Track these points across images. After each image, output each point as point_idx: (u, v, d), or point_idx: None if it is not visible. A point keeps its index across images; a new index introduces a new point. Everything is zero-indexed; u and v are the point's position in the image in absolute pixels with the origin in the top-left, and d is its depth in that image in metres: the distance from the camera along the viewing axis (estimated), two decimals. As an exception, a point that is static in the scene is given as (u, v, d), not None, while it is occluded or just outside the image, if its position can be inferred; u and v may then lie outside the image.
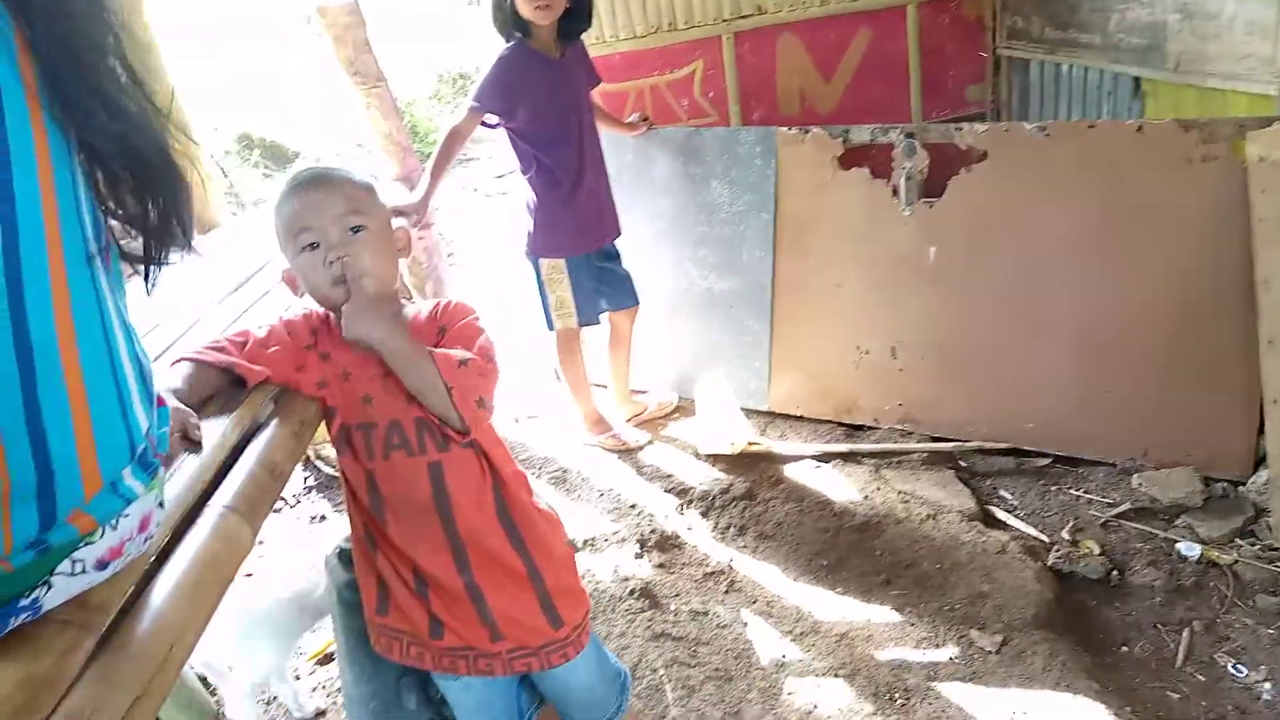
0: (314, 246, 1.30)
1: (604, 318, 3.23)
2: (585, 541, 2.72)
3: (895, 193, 2.94)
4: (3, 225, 0.66)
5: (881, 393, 3.11)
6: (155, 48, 2.87)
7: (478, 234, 5.71)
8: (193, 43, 6.49)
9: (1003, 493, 2.78)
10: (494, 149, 2.96)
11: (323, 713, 2.27)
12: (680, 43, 3.69)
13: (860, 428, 3.16)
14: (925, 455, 2.91)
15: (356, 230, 1.30)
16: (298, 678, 2.34)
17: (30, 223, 0.68)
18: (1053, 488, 2.76)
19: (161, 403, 0.95)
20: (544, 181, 2.91)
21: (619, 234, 3.13)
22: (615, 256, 3.15)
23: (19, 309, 0.68)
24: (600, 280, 3.10)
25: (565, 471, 3.17)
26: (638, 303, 3.20)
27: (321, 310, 1.41)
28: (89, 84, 0.75)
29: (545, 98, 2.81)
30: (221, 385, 1.28)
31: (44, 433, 0.71)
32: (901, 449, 2.96)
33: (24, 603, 0.77)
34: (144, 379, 0.87)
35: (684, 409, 3.41)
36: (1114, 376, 2.73)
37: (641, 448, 3.22)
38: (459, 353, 1.32)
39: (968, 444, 2.92)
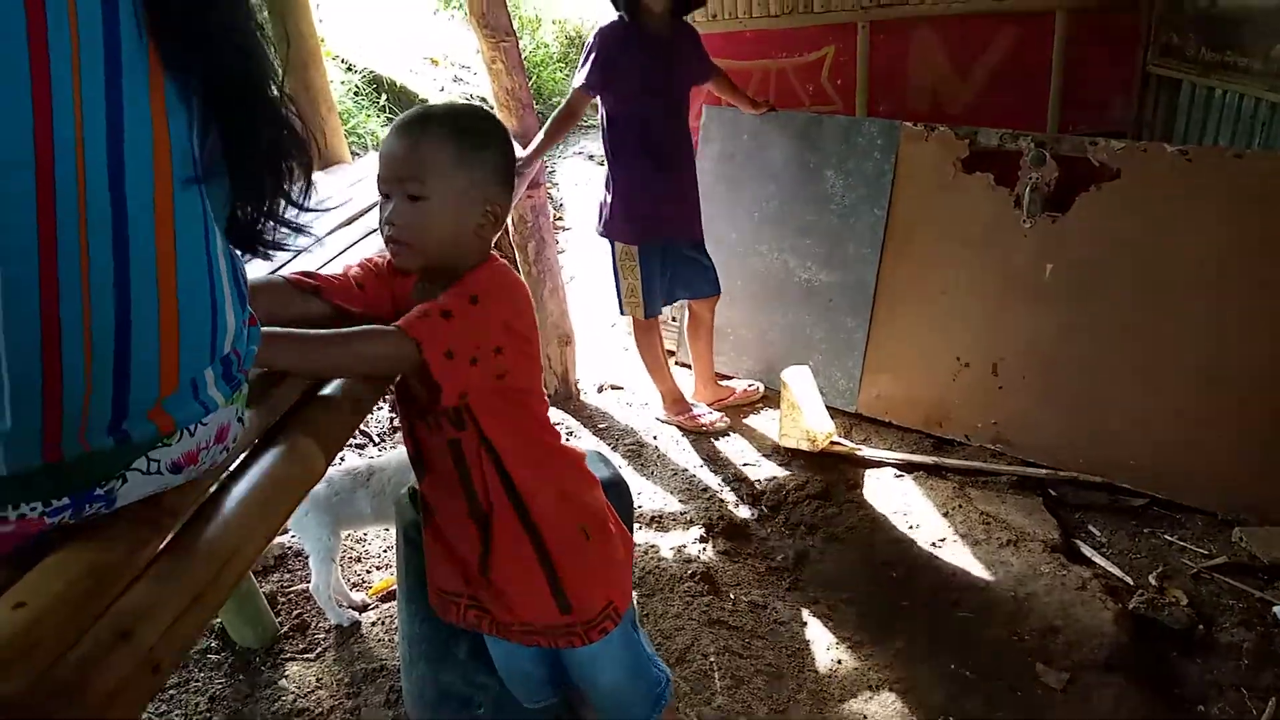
0: (386, 197, 1.24)
1: (683, 303, 3.21)
2: (652, 518, 2.72)
3: (1017, 203, 2.82)
4: (109, 138, 0.71)
5: (977, 408, 3.00)
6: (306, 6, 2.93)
7: (588, 200, 5.73)
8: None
9: (1091, 528, 2.65)
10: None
11: (357, 624, 2.34)
12: (814, 26, 3.59)
13: (950, 442, 3.05)
14: (1014, 479, 2.80)
15: (414, 198, 1.20)
16: (358, 597, 2.40)
17: (138, 136, 0.74)
18: (1145, 530, 2.61)
19: (253, 322, 0.98)
20: (627, 162, 2.90)
21: (699, 237, 3.08)
22: (698, 245, 3.10)
23: (120, 211, 0.73)
24: (679, 268, 3.07)
25: (642, 446, 3.16)
26: (718, 292, 3.16)
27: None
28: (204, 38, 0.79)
29: (643, 78, 2.79)
30: (325, 315, 1.28)
31: (129, 324, 0.76)
32: (990, 469, 2.85)
33: (99, 491, 0.80)
34: (237, 280, 0.90)
35: (769, 399, 3.37)
36: (1227, 422, 2.57)
37: (721, 432, 3.20)
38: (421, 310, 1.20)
39: (1061, 473, 2.80)
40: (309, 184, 0.99)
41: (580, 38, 8.90)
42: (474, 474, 1.33)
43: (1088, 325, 2.76)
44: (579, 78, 2.80)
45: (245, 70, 0.84)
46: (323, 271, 1.36)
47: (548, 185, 2.90)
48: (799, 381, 3.00)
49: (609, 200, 2.98)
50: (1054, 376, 2.84)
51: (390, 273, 1.38)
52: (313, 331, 1.16)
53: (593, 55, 2.76)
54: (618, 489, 1.78)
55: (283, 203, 0.96)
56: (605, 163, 3.00)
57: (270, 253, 0.99)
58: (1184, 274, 2.58)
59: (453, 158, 1.21)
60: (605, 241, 3.07)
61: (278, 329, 1.10)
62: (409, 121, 1.24)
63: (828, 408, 3.06)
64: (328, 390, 1.25)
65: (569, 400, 3.46)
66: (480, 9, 2.99)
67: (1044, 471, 2.81)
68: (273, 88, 0.88)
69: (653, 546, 2.56)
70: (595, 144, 7.18)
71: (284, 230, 0.98)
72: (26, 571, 0.76)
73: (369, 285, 1.35)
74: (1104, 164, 2.68)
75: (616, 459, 3.05)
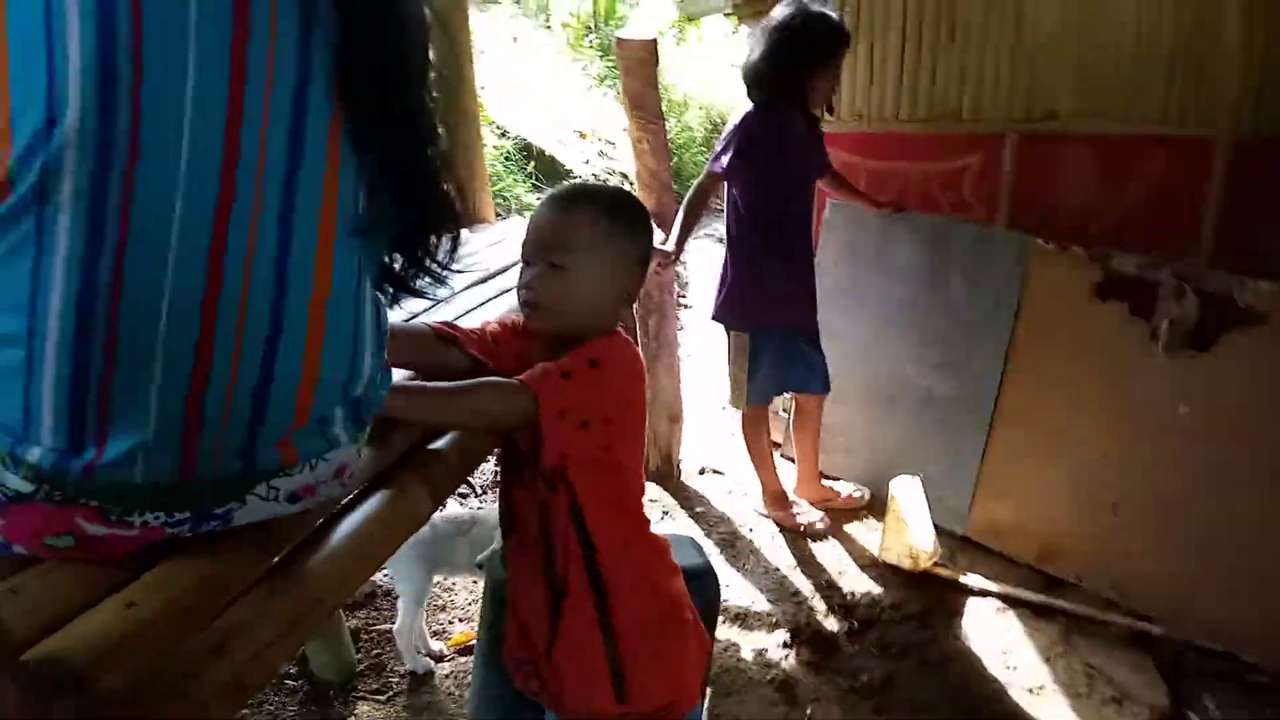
0: (528, 263, 1.29)
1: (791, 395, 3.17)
2: (736, 615, 2.65)
3: (1154, 335, 2.68)
4: (285, 185, 0.79)
5: (1092, 549, 2.83)
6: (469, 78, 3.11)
7: (713, 280, 5.78)
8: (504, 56, 7.07)
9: (1207, 701, 2.42)
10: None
11: (430, 674, 2.35)
12: (961, 134, 3.57)
13: (1060, 581, 2.87)
14: (1126, 631, 2.61)
15: (556, 267, 1.25)
16: (436, 646, 2.42)
17: (311, 186, 0.82)
18: (1269, 712, 2.38)
19: (388, 368, 1.03)
20: (748, 250, 2.91)
21: (813, 330, 3.03)
22: (812, 339, 3.06)
23: (284, 252, 0.80)
24: (792, 361, 3.03)
25: (736, 537, 3.11)
26: (827, 389, 3.10)
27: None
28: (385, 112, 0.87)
29: (777, 168, 2.82)
30: (462, 367, 1.33)
31: (276, 353, 0.82)
32: (1101, 618, 2.66)
33: (218, 511, 0.84)
34: (379, 326, 0.95)
35: (873, 507, 3.26)
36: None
37: (820, 535, 3.11)
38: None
39: (1177, 635, 2.59)
40: (456, 244, 1.05)
41: (723, 122, 9.12)
42: (557, 540, 1.32)
43: (1220, 475, 2.58)
44: (716, 162, 2.85)
45: (417, 142, 0.91)
46: (460, 323, 1.42)
47: (675, 263, 2.95)
48: (908, 494, 2.90)
49: (726, 286, 3.00)
50: (1177, 526, 2.65)
51: (522, 332, 1.43)
52: (435, 385, 1.21)
53: (735, 142, 2.81)
54: (706, 579, 1.75)
55: (429, 259, 1.02)
56: (725, 247, 3.03)
57: (404, 297, 1.05)
58: (1336, 436, 2.40)
59: (598, 236, 1.27)
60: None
61: (402, 382, 1.14)
62: (563, 196, 1.31)
63: (934, 525, 2.95)
64: (442, 440, 1.29)
65: (668, 479, 3.45)
66: (633, 90, 3.10)
67: (1159, 629, 2.62)
68: (436, 155, 0.95)
69: (733, 644, 2.50)
70: (723, 226, 7.27)
71: (427, 280, 1.04)
72: (140, 574, 0.80)
73: (502, 341, 1.40)
74: (1251, 307, 2.54)
75: (708, 545, 3.00)
